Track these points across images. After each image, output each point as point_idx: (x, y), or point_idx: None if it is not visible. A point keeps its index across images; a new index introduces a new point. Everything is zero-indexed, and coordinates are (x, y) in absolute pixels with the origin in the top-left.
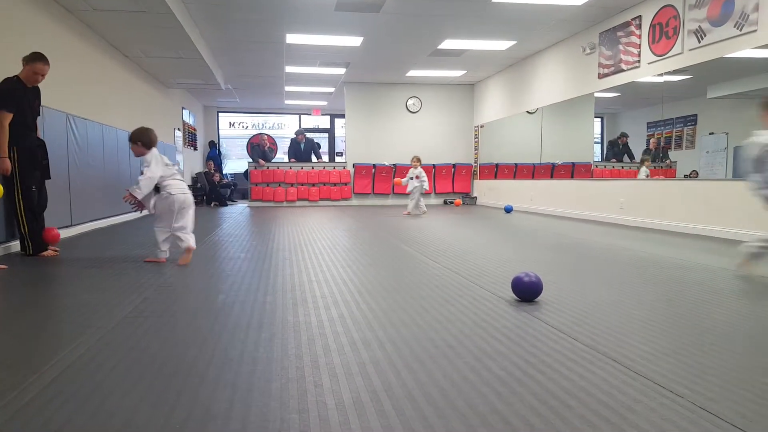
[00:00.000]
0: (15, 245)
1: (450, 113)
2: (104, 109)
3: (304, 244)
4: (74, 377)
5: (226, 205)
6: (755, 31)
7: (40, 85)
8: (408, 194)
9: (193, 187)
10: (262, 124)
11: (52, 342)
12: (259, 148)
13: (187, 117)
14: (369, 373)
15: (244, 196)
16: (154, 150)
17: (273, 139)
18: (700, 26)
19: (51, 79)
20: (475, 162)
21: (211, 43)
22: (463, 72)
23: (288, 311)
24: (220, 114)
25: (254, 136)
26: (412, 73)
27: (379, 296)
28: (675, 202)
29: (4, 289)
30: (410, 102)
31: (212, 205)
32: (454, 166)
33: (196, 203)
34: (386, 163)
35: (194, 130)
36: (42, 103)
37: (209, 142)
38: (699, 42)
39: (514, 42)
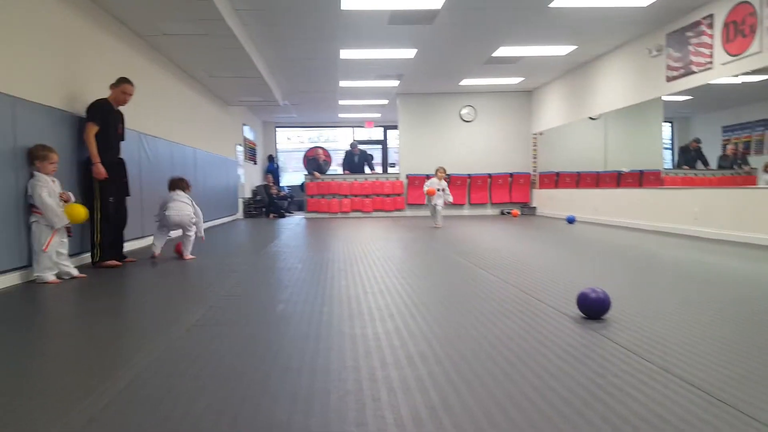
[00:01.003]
0: (87, 256)
1: (506, 121)
2: (172, 128)
3: (358, 255)
4: (146, 383)
5: (284, 216)
6: None
7: (122, 109)
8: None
9: (253, 199)
10: (318, 138)
11: (125, 348)
12: (315, 161)
13: (248, 133)
14: (427, 389)
15: (300, 207)
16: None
17: (328, 151)
18: None
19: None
20: (533, 171)
21: (270, 62)
22: (520, 79)
23: (344, 323)
24: (277, 129)
25: (310, 149)
26: (467, 81)
27: (435, 309)
28: (755, 211)
29: (81, 297)
30: (464, 111)
31: (270, 216)
32: (511, 175)
33: (255, 215)
34: None
35: (254, 145)
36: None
37: (268, 156)
38: None
39: (575, 47)
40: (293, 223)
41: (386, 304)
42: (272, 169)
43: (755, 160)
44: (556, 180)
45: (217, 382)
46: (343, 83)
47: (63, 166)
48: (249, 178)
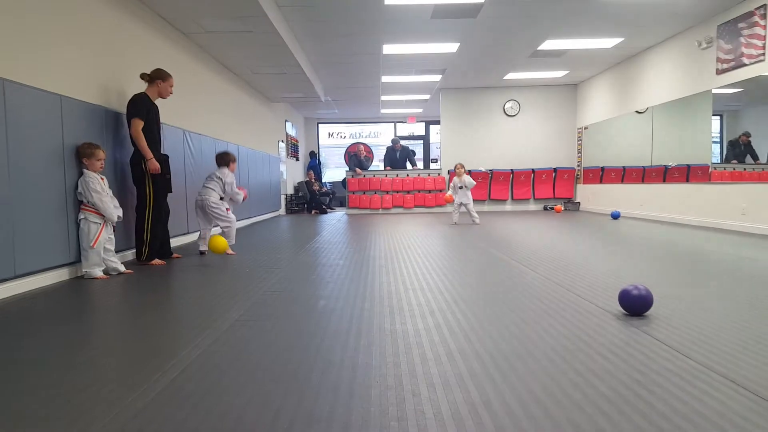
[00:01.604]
0: (130, 253)
1: (550, 115)
2: (215, 124)
3: (399, 252)
4: (191, 377)
5: (326, 212)
6: None
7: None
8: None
9: (295, 195)
10: (359, 134)
11: (171, 343)
12: (356, 157)
13: (290, 129)
14: (467, 385)
15: (342, 203)
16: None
17: (369, 147)
18: None
19: (169, 97)
20: (578, 165)
21: (312, 58)
22: (565, 72)
23: (385, 319)
24: (319, 125)
25: (351, 145)
26: (511, 75)
27: (475, 306)
28: None
29: (129, 293)
30: (508, 105)
31: (312, 213)
32: (555, 170)
33: (297, 211)
34: (482, 168)
35: (296, 141)
36: (161, 120)
37: (309, 153)
38: None
39: (621, 39)
40: (335, 219)
41: (426, 300)
42: (314, 165)
43: None
44: (600, 175)
45: (261, 376)
46: (385, 78)
47: (107, 163)
48: (291, 174)
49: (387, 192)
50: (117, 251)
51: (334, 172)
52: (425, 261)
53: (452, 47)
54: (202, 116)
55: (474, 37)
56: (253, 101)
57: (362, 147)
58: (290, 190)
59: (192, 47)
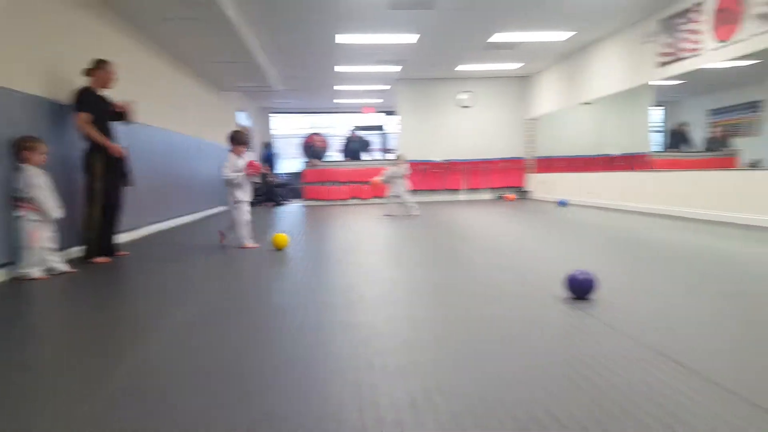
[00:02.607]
0: (75, 251)
1: (503, 107)
2: (161, 114)
3: (356, 243)
4: (141, 381)
5: (282, 204)
6: None
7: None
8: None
9: None
10: (315, 124)
11: (116, 345)
12: (312, 148)
13: (243, 119)
14: (422, 373)
15: (299, 195)
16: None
17: (325, 138)
18: (766, 10)
19: (115, 87)
20: (529, 155)
21: (265, 46)
22: (520, 65)
23: (343, 312)
24: (273, 115)
25: (307, 135)
26: (465, 67)
27: (432, 295)
28: (739, 192)
29: (70, 293)
30: (463, 97)
31: (270, 205)
32: (507, 160)
33: (254, 204)
34: (437, 159)
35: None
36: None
37: (264, 143)
38: (765, 27)
39: (574, 33)
40: (291, 211)
41: (383, 292)
42: (269, 156)
43: (741, 143)
44: (549, 164)
45: (215, 377)
46: (338, 68)
47: (50, 157)
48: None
49: (344, 183)
50: (62, 249)
51: (290, 162)
52: (382, 252)
53: (412, 38)
54: (146, 105)
55: (432, 29)
56: (202, 90)
57: (318, 137)
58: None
59: (137, 34)
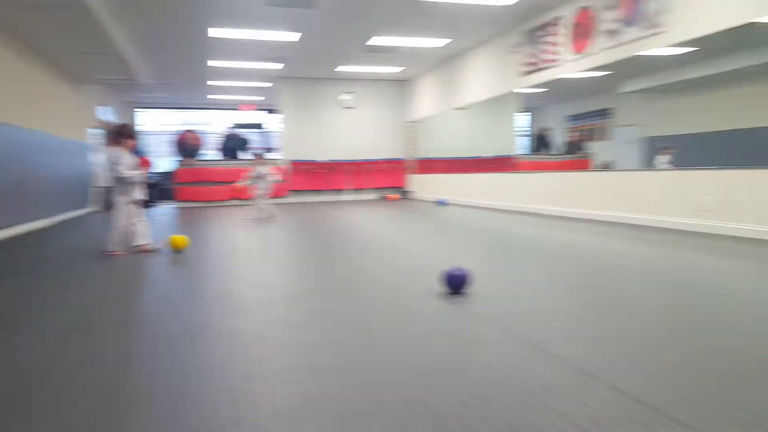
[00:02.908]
0: None
1: (385, 109)
2: (7, 109)
3: (233, 247)
4: (9, 394)
5: (151, 206)
6: (663, 32)
7: None
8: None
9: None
10: (189, 121)
11: None
12: (185, 146)
13: (106, 114)
14: (303, 377)
15: (170, 196)
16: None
17: (200, 135)
18: (614, 27)
19: None
20: (410, 157)
21: (131, 37)
22: (401, 68)
23: (220, 318)
24: (142, 110)
25: (179, 132)
26: (348, 68)
27: (314, 298)
28: (592, 191)
29: None
30: (346, 98)
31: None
32: (389, 161)
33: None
34: (322, 159)
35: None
36: None
37: None
38: (613, 41)
39: (450, 40)
40: (162, 213)
41: (264, 296)
42: (135, 154)
43: (595, 146)
44: (429, 165)
45: (85, 390)
46: (212, 63)
47: None
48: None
49: (222, 183)
50: None
51: (161, 161)
52: (263, 255)
53: (294, 36)
54: None
55: (314, 28)
56: (57, 83)
57: (192, 134)
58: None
59: None
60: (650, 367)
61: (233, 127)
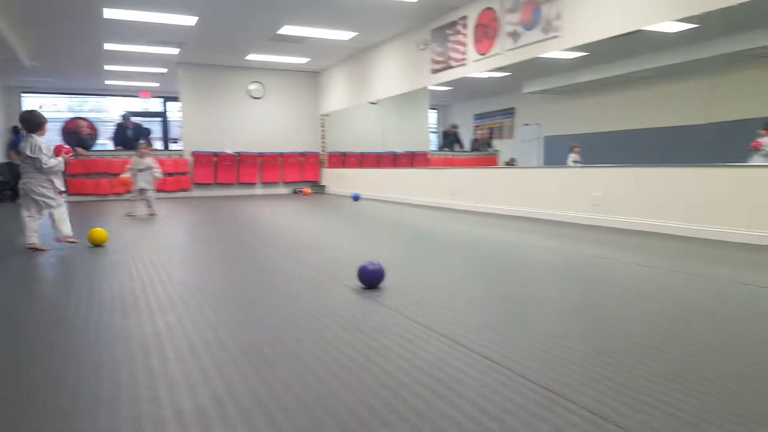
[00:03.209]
0: None
1: (295, 101)
2: None
3: (134, 243)
4: None
5: None
6: (558, 36)
7: None
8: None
9: None
10: (80, 107)
11: None
12: (76, 135)
13: None
14: (212, 379)
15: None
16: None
17: (93, 123)
18: (515, 29)
19: None
20: (322, 151)
21: (9, 14)
22: (308, 59)
23: (118, 320)
24: (25, 95)
25: (69, 120)
26: (254, 57)
27: (223, 296)
28: (497, 187)
29: None
30: (253, 87)
31: (17, 201)
32: (302, 154)
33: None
34: (229, 151)
35: None
36: None
37: (12, 128)
38: (514, 43)
39: (356, 33)
40: None
41: (168, 295)
42: (17, 144)
43: (499, 144)
44: (342, 160)
45: None
46: (109, 46)
47: None
48: None
49: (118, 175)
50: None
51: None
52: (167, 252)
53: (191, 20)
54: None
55: (213, 12)
56: None
57: (84, 123)
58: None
59: None
60: (550, 354)
61: (128, 115)
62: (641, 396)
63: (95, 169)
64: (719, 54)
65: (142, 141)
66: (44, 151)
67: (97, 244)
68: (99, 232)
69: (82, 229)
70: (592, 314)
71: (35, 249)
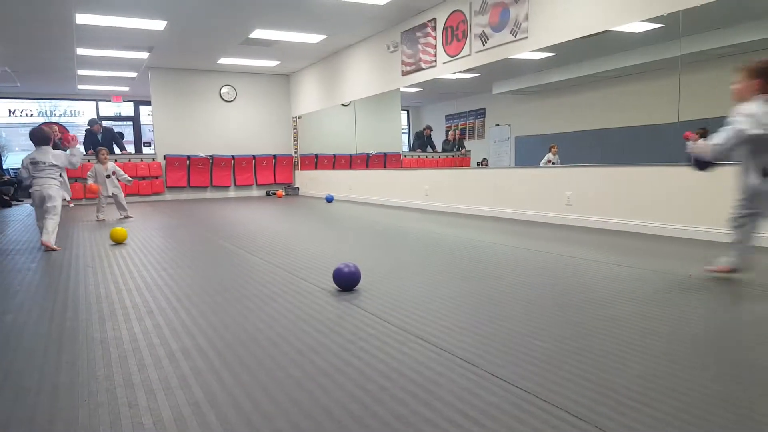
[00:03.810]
0: None
1: (267, 103)
2: None
3: (108, 248)
4: None
5: (10, 205)
6: (526, 38)
7: None
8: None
9: None
10: (52, 112)
11: None
12: (46, 140)
13: None
14: (190, 385)
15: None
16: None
17: (65, 128)
18: (484, 31)
19: None
20: (295, 153)
21: None
22: (278, 62)
23: (93, 327)
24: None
25: (41, 124)
26: (225, 60)
27: (200, 300)
28: (468, 187)
29: None
30: (224, 90)
31: None
32: (274, 156)
33: None
34: (202, 154)
35: None
36: None
37: None
38: (483, 45)
39: (325, 36)
40: (23, 213)
41: (144, 300)
42: None
43: (471, 145)
44: (315, 162)
45: None
46: (81, 51)
47: None
48: None
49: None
50: None
51: (20, 156)
52: (141, 256)
53: (159, 24)
54: None
55: (183, 16)
56: None
57: (56, 127)
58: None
59: None
60: (524, 354)
61: (92, 121)
62: (619, 397)
63: (70, 174)
64: (685, 53)
65: (99, 148)
66: (65, 155)
67: (118, 242)
68: (120, 231)
69: (61, 236)
70: (566, 314)
71: (50, 248)
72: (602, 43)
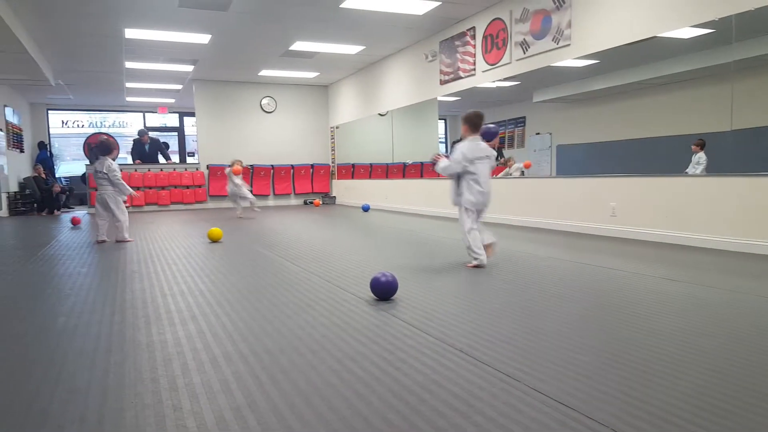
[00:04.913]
0: None
1: (306, 114)
2: None
3: (155, 253)
4: None
5: (57, 210)
6: (569, 45)
7: None
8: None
9: (21, 193)
10: (101, 123)
11: None
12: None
13: (10, 116)
14: (231, 390)
15: (83, 201)
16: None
17: (114, 138)
18: (524, 39)
19: None
20: (332, 162)
21: (37, 36)
22: (317, 73)
23: (140, 330)
24: (50, 112)
25: (91, 135)
26: (266, 72)
27: (240, 306)
28: (510, 197)
29: None
30: (265, 101)
31: (45, 212)
32: (312, 166)
33: (25, 212)
34: (245, 164)
35: (20, 130)
36: None
37: (38, 143)
38: (524, 53)
39: (363, 47)
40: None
41: (187, 305)
42: (44, 158)
43: (508, 153)
44: (352, 171)
45: None
46: (129, 64)
47: None
48: (14, 168)
49: (138, 188)
50: None
51: (72, 165)
52: (185, 263)
53: (203, 38)
54: None
55: (226, 30)
56: None
57: (105, 137)
58: (15, 188)
59: None
60: (566, 369)
61: (142, 131)
62: (665, 414)
63: None
64: (738, 59)
65: (233, 160)
66: (115, 169)
67: (214, 241)
68: (216, 230)
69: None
70: (610, 328)
71: (103, 242)
72: (648, 49)
